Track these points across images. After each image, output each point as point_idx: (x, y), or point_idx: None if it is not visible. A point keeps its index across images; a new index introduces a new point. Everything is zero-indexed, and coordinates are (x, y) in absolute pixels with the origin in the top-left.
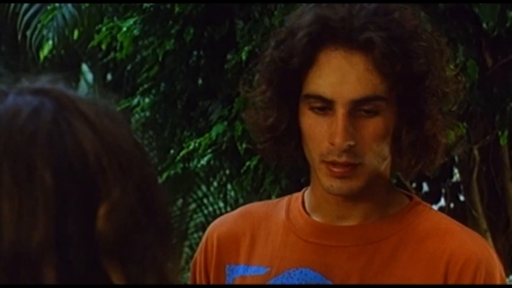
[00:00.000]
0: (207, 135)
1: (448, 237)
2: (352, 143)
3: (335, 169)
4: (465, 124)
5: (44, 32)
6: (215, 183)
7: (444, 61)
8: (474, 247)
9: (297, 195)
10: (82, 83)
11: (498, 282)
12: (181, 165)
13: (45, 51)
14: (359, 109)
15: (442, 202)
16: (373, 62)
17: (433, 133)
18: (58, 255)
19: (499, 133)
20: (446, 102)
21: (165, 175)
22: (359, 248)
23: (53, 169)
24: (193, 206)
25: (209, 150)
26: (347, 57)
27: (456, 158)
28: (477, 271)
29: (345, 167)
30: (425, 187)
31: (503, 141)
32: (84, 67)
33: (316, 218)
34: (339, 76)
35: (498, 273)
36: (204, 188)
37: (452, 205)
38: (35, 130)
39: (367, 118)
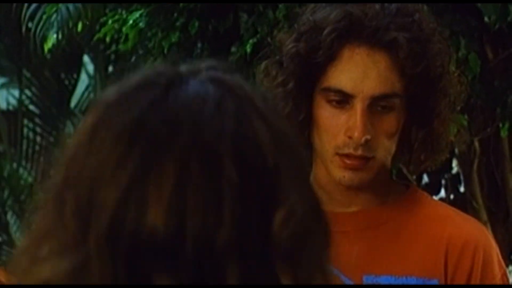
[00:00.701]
0: None
1: (446, 222)
2: (369, 137)
3: (349, 161)
4: (466, 116)
5: (49, 24)
6: None
7: (451, 63)
8: (472, 230)
9: None
10: (83, 74)
11: (495, 262)
12: None
13: (49, 44)
14: (376, 104)
15: (443, 193)
16: (396, 61)
17: (441, 132)
18: (241, 255)
19: (500, 125)
20: (454, 103)
21: None
22: (360, 232)
23: (238, 168)
24: None
25: None
26: (370, 55)
27: (456, 150)
28: (475, 252)
29: (359, 160)
30: (425, 178)
31: (503, 133)
32: (85, 58)
33: None
34: (361, 72)
35: (495, 254)
36: None
37: (452, 196)
38: (222, 127)
39: (382, 114)
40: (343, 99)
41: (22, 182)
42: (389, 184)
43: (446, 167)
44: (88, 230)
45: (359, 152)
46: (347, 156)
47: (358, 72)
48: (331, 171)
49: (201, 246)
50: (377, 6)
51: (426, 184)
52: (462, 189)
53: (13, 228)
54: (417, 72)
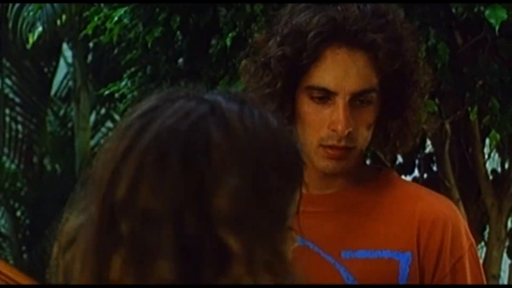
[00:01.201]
0: None
1: (417, 200)
2: (351, 129)
3: (332, 152)
4: (437, 100)
5: (34, 19)
6: None
7: (419, 54)
8: (441, 206)
9: None
10: (62, 62)
11: (463, 235)
12: None
13: (35, 36)
14: (355, 99)
15: (416, 173)
16: (374, 60)
17: (413, 120)
18: (175, 224)
19: (469, 109)
20: (423, 92)
21: None
22: (337, 212)
23: (182, 159)
24: None
25: None
26: (350, 55)
27: (430, 132)
28: (445, 226)
29: (342, 150)
30: (400, 159)
31: (472, 117)
32: (64, 46)
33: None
34: (342, 71)
35: (463, 228)
36: None
37: (425, 175)
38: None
39: (361, 107)
40: (326, 96)
41: (5, 170)
42: (363, 168)
43: (420, 148)
44: (93, 200)
45: (342, 143)
46: (331, 147)
47: (339, 71)
48: (315, 161)
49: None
50: (355, 8)
51: (400, 164)
52: (435, 169)
53: None
54: (392, 69)
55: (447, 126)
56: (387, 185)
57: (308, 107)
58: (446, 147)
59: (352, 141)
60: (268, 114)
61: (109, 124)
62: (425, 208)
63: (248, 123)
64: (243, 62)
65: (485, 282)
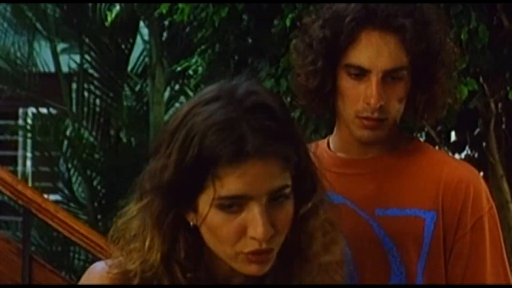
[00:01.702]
0: None
1: (443, 165)
2: (383, 103)
3: (367, 123)
4: (481, 79)
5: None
6: None
7: (447, 37)
8: (464, 171)
9: (323, 141)
10: (139, 39)
11: (484, 198)
12: None
13: (113, 15)
14: (387, 76)
15: (468, 151)
16: (403, 41)
17: (440, 95)
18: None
19: (508, 88)
20: (450, 70)
21: None
22: (373, 174)
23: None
24: None
25: None
26: (382, 37)
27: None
28: (467, 189)
29: (375, 121)
30: (453, 137)
31: (510, 96)
32: (141, 24)
33: (340, 154)
34: (375, 51)
35: (484, 192)
36: None
37: (476, 154)
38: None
39: (393, 83)
40: (361, 73)
41: (83, 141)
42: (397, 137)
43: (473, 127)
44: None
45: (375, 115)
46: (366, 118)
47: (373, 51)
48: (352, 131)
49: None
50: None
51: (454, 142)
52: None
53: (75, 185)
54: (420, 49)
55: (492, 105)
56: (417, 152)
57: (346, 83)
58: (492, 125)
59: (384, 113)
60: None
61: (182, 99)
62: (449, 172)
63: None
64: (293, 41)
65: (502, 242)
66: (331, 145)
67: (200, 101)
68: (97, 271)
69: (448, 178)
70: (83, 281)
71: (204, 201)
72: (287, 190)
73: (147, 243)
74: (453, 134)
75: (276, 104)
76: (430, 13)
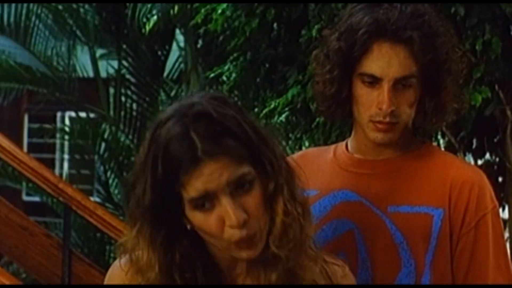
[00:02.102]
0: (284, 96)
1: (451, 166)
2: (394, 108)
3: (380, 126)
4: (496, 87)
5: (149, 6)
6: (292, 137)
7: (455, 48)
8: (470, 172)
9: (342, 143)
10: (175, 46)
11: (488, 198)
12: (263, 121)
13: (150, 25)
14: (398, 84)
15: (488, 156)
16: (412, 52)
17: (447, 101)
18: None
19: None
20: (457, 78)
21: None
22: (386, 174)
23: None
24: None
25: (286, 109)
26: (392, 48)
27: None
28: (472, 189)
29: (387, 124)
30: (474, 143)
31: None
32: (177, 32)
33: (357, 155)
34: (386, 61)
35: (488, 192)
36: (283, 143)
37: (497, 159)
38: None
39: (403, 90)
40: (374, 81)
41: (120, 144)
42: (409, 140)
43: (494, 133)
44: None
45: (387, 119)
46: (379, 122)
47: (384, 61)
48: (367, 134)
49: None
50: (397, 9)
51: (476, 148)
52: None
53: (112, 186)
54: (427, 59)
55: (508, 112)
56: (428, 154)
57: (360, 90)
58: (508, 131)
59: (396, 117)
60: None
61: None
62: (456, 173)
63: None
64: (314, 52)
65: (504, 238)
66: (349, 147)
67: (159, 123)
68: (116, 267)
69: (454, 179)
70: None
71: (186, 207)
72: (249, 177)
73: (145, 262)
74: (474, 141)
75: (215, 110)
76: (437, 26)
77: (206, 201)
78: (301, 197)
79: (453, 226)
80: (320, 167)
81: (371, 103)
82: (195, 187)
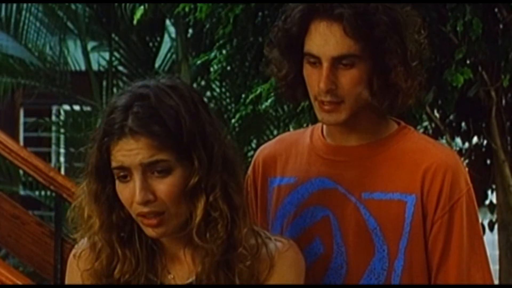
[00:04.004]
0: (269, 81)
1: (425, 152)
2: (333, 87)
3: (323, 105)
4: (480, 69)
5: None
6: (281, 124)
7: (408, 28)
8: (443, 157)
9: (318, 125)
10: (166, 37)
11: (462, 181)
12: (250, 107)
13: (137, 15)
14: (338, 63)
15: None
16: (346, 30)
17: (396, 81)
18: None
19: (502, 76)
20: (409, 58)
21: (238, 116)
22: (359, 161)
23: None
24: None
25: (272, 94)
26: (328, 26)
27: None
28: (445, 174)
29: (329, 104)
30: (464, 127)
31: (505, 83)
32: (168, 23)
33: (329, 141)
34: (322, 39)
35: (462, 175)
36: (274, 130)
37: (485, 142)
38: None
39: (345, 70)
40: (316, 61)
41: None
42: (380, 123)
43: (481, 116)
44: None
45: (328, 98)
46: (321, 101)
47: (321, 40)
48: (317, 115)
49: None
50: None
51: (465, 131)
52: None
53: None
54: (364, 37)
55: (493, 93)
56: (401, 139)
57: (306, 71)
58: (493, 112)
59: (337, 97)
60: None
61: (208, 94)
62: (429, 158)
63: None
64: (270, 34)
65: (479, 221)
66: (324, 131)
67: (119, 95)
68: (70, 258)
69: (427, 164)
70: (67, 271)
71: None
72: (165, 164)
73: (87, 214)
74: (463, 124)
75: (156, 96)
76: (375, 5)
77: (125, 173)
78: (237, 200)
79: (426, 211)
80: (298, 153)
81: (315, 82)
82: (116, 157)
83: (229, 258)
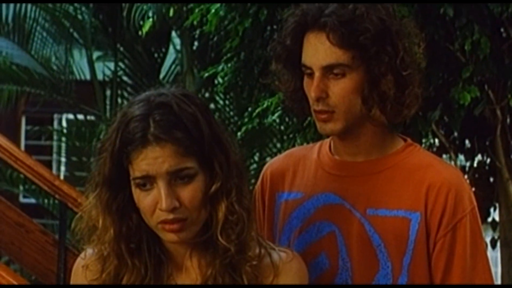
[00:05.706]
0: (277, 95)
1: (429, 169)
2: (323, 95)
3: (318, 115)
4: (486, 87)
5: (145, 8)
6: (285, 137)
7: (400, 37)
8: (448, 175)
9: (326, 141)
10: (171, 49)
11: (466, 200)
12: (257, 120)
13: (146, 27)
14: (328, 72)
15: (480, 157)
16: (329, 38)
17: (384, 90)
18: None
19: (508, 95)
20: (399, 67)
21: (243, 129)
22: (365, 177)
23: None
24: (268, 159)
25: (279, 108)
26: (317, 37)
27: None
28: (449, 192)
29: (322, 113)
30: (467, 144)
31: (511, 102)
32: (173, 34)
33: (336, 157)
34: (313, 50)
35: (466, 194)
36: (278, 144)
37: (489, 160)
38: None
39: (336, 79)
40: (310, 72)
41: None
42: (386, 139)
43: (485, 134)
44: None
45: (320, 107)
46: (315, 111)
47: (311, 50)
48: (317, 126)
49: None
50: (331, 4)
51: (468, 148)
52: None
53: None
54: (351, 46)
55: (498, 112)
56: (407, 155)
57: (305, 82)
58: (498, 131)
59: (329, 106)
60: None
61: (212, 106)
62: (433, 176)
63: None
64: (268, 48)
65: (483, 239)
66: (331, 146)
67: (131, 104)
68: (76, 268)
69: (431, 182)
70: (72, 281)
71: (132, 184)
72: (190, 172)
73: (101, 224)
74: (467, 142)
75: (176, 103)
76: (361, 13)
77: (147, 182)
78: (247, 203)
79: (430, 229)
80: (306, 168)
81: (310, 92)
82: (139, 166)
83: (237, 261)
